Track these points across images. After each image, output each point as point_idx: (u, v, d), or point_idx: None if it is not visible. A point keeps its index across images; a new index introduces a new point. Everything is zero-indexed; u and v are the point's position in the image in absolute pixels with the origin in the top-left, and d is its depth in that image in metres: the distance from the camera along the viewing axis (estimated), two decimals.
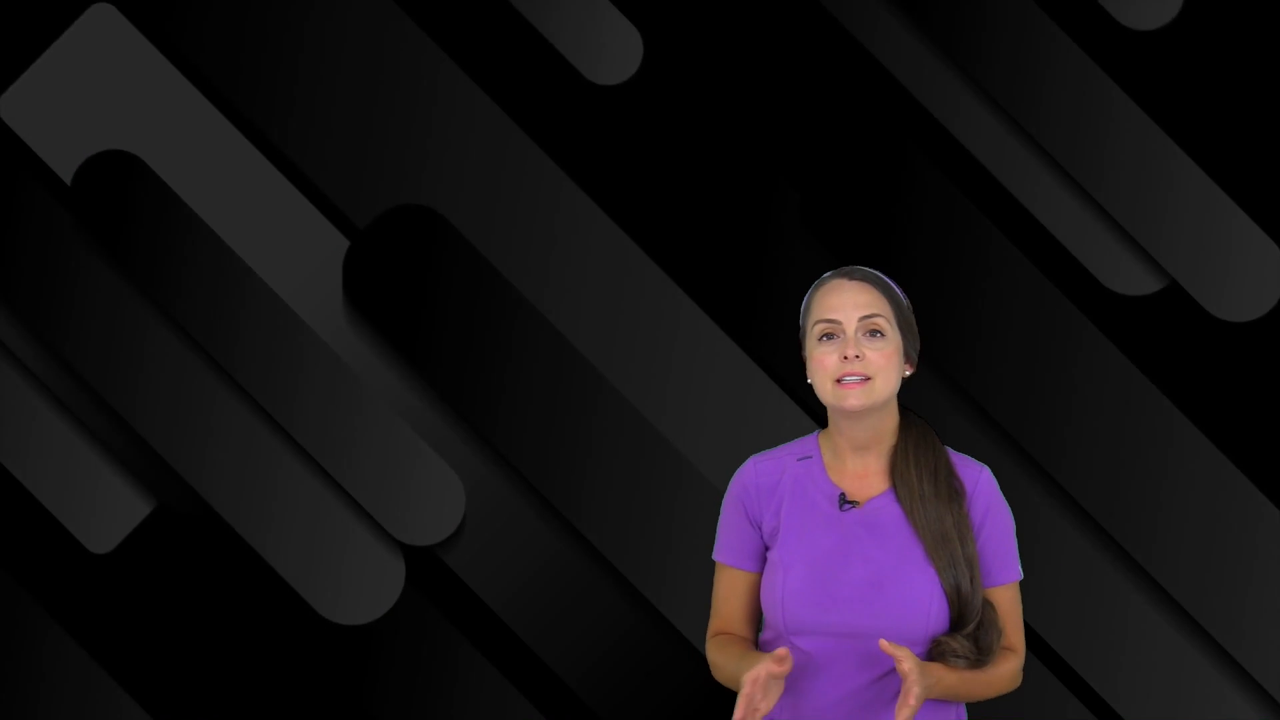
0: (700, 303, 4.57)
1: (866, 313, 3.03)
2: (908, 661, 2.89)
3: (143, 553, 4.52)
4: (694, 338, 4.56)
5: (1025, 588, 4.32)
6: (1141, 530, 4.52)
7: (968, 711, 3.11)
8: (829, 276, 3.10)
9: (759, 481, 3.09)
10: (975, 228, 4.53)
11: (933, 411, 4.45)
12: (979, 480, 3.06)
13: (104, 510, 4.50)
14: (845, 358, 3.02)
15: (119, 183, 4.53)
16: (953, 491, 3.04)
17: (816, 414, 4.32)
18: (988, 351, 4.52)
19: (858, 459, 3.07)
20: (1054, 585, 4.51)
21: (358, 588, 4.53)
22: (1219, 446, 4.54)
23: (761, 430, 4.39)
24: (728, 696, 3.18)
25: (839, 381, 3.02)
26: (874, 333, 3.04)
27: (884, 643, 2.91)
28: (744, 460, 3.15)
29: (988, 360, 4.52)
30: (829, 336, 3.04)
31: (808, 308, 3.09)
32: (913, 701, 2.88)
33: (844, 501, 3.05)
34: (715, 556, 3.13)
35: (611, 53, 4.55)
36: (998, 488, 3.08)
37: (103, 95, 4.54)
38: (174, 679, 4.53)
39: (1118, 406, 4.53)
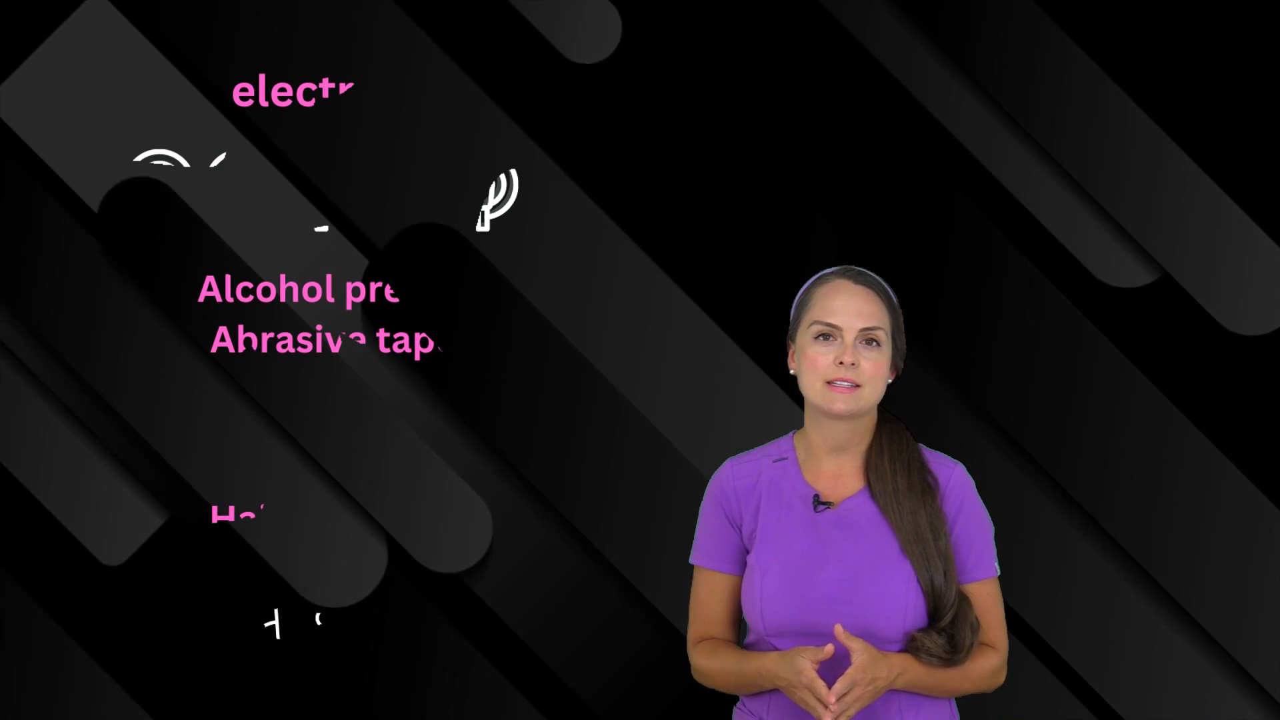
0: (708, 307, 4.56)
1: (868, 324, 3.04)
2: (863, 655, 2.91)
3: (154, 565, 4.51)
4: (691, 335, 4.54)
5: (1025, 585, 4.35)
6: (1142, 531, 4.51)
7: (960, 710, 3.12)
8: (832, 275, 3.10)
9: (736, 484, 3.10)
10: (1007, 258, 4.53)
11: (961, 443, 4.47)
12: (952, 476, 3.07)
13: (116, 522, 4.49)
14: (841, 363, 3.03)
15: (134, 197, 4.53)
16: (926, 486, 3.04)
17: None
18: (1025, 390, 4.50)
19: (833, 459, 3.08)
20: (1050, 583, 4.51)
21: (340, 571, 4.53)
22: (1223, 452, 4.55)
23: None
24: (720, 694, 3.22)
25: (829, 383, 3.03)
26: (871, 342, 3.05)
27: (839, 629, 2.92)
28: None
29: (1025, 399, 4.49)
30: (825, 337, 3.04)
31: (806, 302, 3.08)
32: (842, 689, 2.90)
33: (818, 502, 3.06)
34: (694, 561, 3.13)
35: (589, 31, 4.54)
36: (972, 485, 3.09)
37: (97, 90, 4.52)
38: (185, 689, 4.53)
39: (1159, 446, 4.53)
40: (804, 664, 2.93)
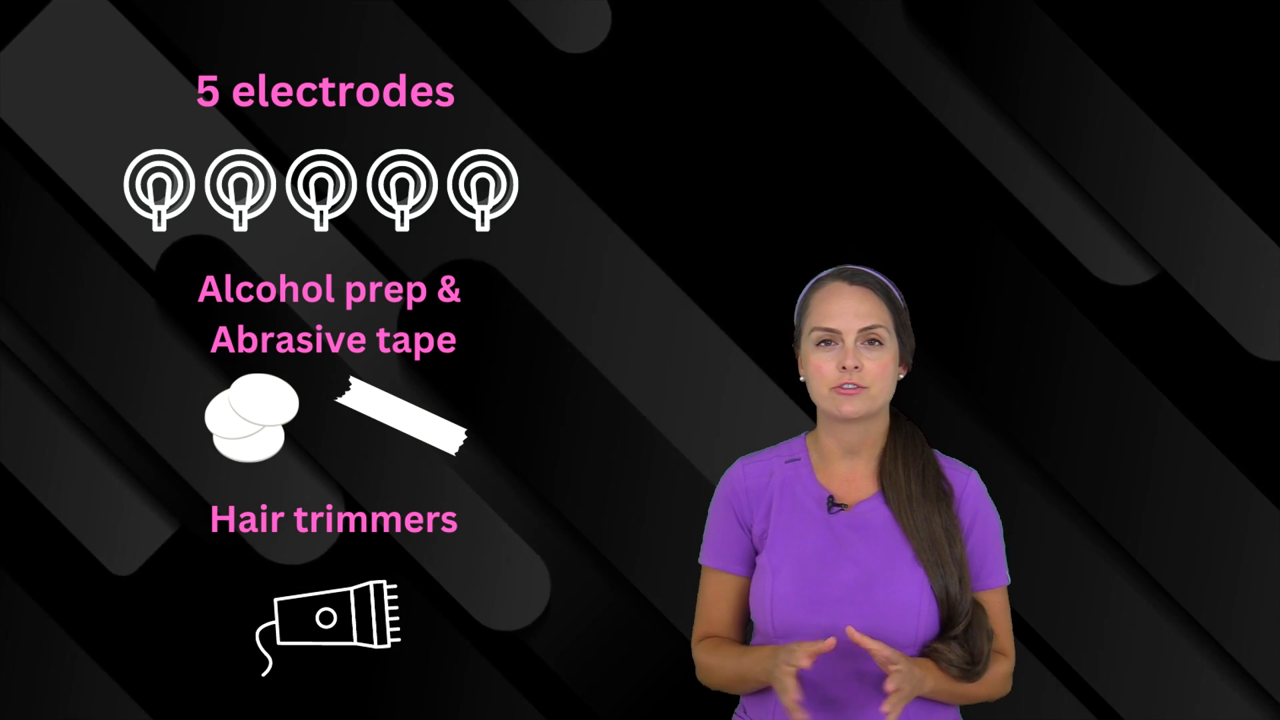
0: (709, 308, 4.55)
1: (867, 323, 3.02)
2: (884, 651, 2.89)
3: (165, 575, 4.50)
4: (686, 329, 4.53)
5: (1031, 589, 4.32)
6: (1181, 570, 4.51)
7: (962, 712, 3.11)
8: (827, 278, 3.08)
9: (748, 484, 3.09)
10: (1045, 295, 4.51)
11: (1005, 485, 4.45)
12: (967, 483, 3.06)
13: (126, 532, 4.48)
14: (844, 367, 3.01)
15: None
16: (941, 493, 3.03)
17: None
18: (1064, 429, 4.49)
19: (846, 462, 3.07)
20: (1050, 583, 4.49)
21: (296, 537, 4.50)
22: (1262, 491, 4.54)
23: None
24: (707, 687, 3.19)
25: (836, 388, 3.02)
26: (873, 342, 3.03)
27: (851, 631, 2.91)
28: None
29: (1064, 437, 4.49)
30: (827, 343, 3.03)
31: (805, 309, 3.07)
32: (892, 688, 2.88)
33: (832, 504, 3.05)
34: (703, 561, 3.13)
35: (579, 22, 4.52)
36: (986, 492, 3.08)
37: (81, 77, 4.50)
38: (194, 698, 4.52)
39: (1197, 485, 4.52)
40: (796, 648, 2.90)
